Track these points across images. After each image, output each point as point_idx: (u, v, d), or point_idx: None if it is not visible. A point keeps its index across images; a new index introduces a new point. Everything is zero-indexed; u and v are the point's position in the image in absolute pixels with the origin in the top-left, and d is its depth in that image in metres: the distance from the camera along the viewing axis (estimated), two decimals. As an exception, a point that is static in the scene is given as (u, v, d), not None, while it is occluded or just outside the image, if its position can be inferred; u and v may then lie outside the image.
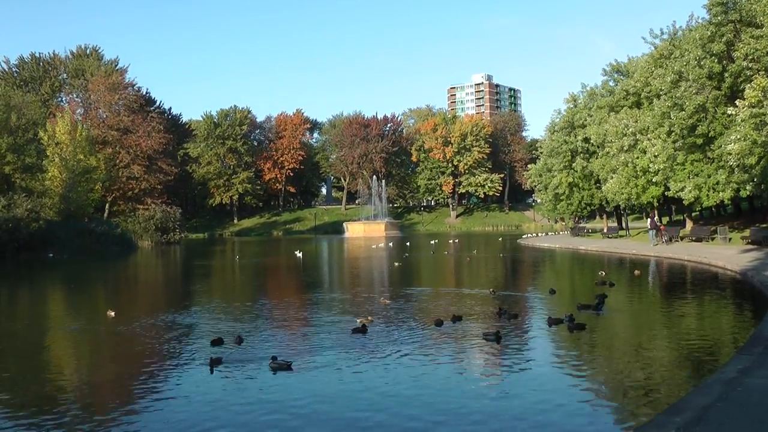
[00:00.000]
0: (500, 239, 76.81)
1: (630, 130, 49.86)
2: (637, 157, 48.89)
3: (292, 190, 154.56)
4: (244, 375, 12.21)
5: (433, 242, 69.43)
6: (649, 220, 48.75)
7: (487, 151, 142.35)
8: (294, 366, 12.46)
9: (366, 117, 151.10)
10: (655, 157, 45.61)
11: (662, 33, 52.98)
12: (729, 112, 36.77)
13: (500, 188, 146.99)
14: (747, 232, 41.45)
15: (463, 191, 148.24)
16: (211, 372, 12.23)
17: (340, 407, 10.18)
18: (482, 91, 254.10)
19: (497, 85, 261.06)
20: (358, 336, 15.52)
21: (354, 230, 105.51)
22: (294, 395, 10.80)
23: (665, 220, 67.47)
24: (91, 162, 78.23)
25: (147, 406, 10.64)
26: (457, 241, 75.15)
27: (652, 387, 11.02)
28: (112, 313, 20.07)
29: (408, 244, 68.76)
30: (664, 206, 64.65)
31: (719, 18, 39.60)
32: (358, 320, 17.27)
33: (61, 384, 12.49)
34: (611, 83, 63.98)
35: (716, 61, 40.25)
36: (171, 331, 17.72)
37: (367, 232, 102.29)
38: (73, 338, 17.77)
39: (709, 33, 40.34)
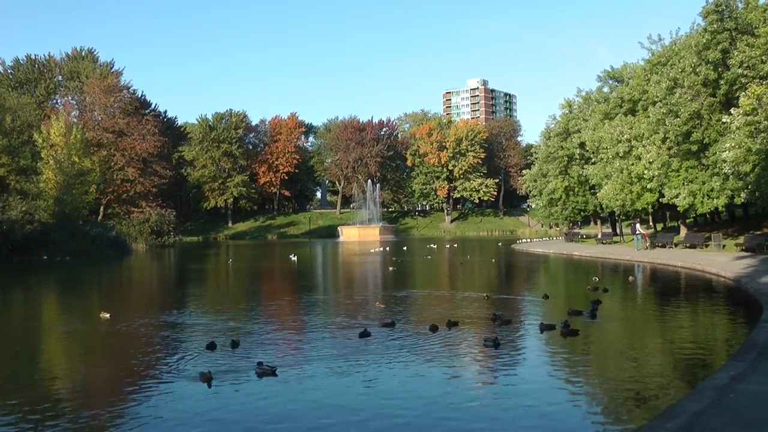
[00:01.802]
0: (500, 244, 76.61)
1: (625, 137, 49.97)
2: (632, 164, 49.00)
3: (287, 193, 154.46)
4: (232, 380, 12.10)
5: (433, 246, 69.52)
6: (632, 226, 49.54)
7: (482, 156, 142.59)
8: (280, 371, 12.44)
9: (361, 121, 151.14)
10: (650, 163, 45.71)
11: (660, 39, 53.21)
12: (724, 120, 36.89)
13: (495, 193, 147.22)
14: (741, 239, 41.60)
15: (458, 196, 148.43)
16: (209, 386, 11.76)
17: (319, 412, 10.13)
18: (478, 96, 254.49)
19: (493, 90, 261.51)
20: (356, 341, 15.55)
21: (349, 234, 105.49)
22: (272, 401, 10.83)
23: (659, 226, 67.71)
24: (86, 164, 77.97)
25: (136, 410, 10.64)
26: (456, 245, 75.31)
27: (645, 392, 11.05)
28: (107, 315, 20.05)
29: (405, 248, 68.86)
30: (658, 213, 64.80)
31: (715, 26, 39.72)
32: (380, 325, 17.40)
33: (54, 387, 12.46)
34: (605, 89, 64.13)
35: (712, 68, 40.37)
36: (165, 334, 17.69)
37: (361, 236, 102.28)
38: (67, 341, 17.72)
39: (704, 40, 40.47)
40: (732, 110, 35.50)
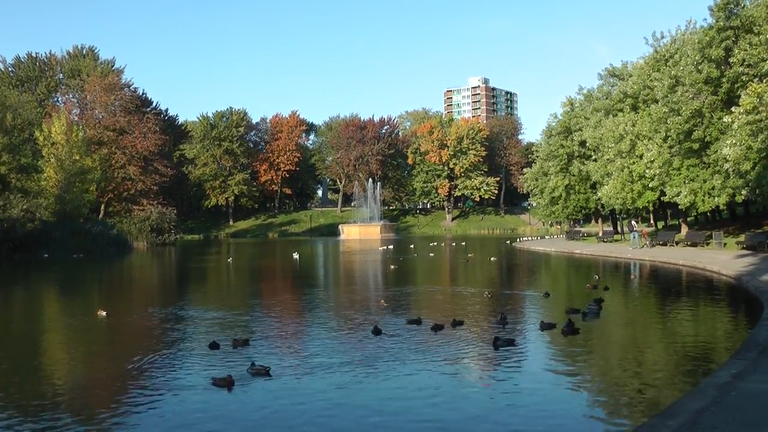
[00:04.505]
0: (508, 242, 76.32)
1: (628, 136, 49.89)
2: (633, 162, 48.97)
3: (288, 191, 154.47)
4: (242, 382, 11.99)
5: (440, 244, 69.40)
6: (628, 224, 49.79)
7: (483, 155, 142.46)
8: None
9: (362, 119, 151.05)
10: (651, 162, 45.68)
11: (662, 36, 53.15)
12: (725, 119, 36.87)
13: (496, 191, 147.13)
14: (742, 237, 41.53)
15: (459, 194, 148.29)
16: (229, 391, 11.40)
17: (307, 415, 10.07)
18: (479, 94, 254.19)
19: (494, 89, 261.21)
20: (361, 341, 15.57)
21: (350, 232, 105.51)
22: (260, 402, 10.76)
23: (660, 224, 67.70)
24: (87, 162, 78.08)
25: (132, 410, 10.65)
26: (463, 243, 75.43)
27: (646, 391, 11.05)
28: (104, 313, 20.11)
29: (412, 246, 68.87)
30: (659, 211, 64.79)
31: (721, 23, 39.70)
32: (407, 320, 17.71)
33: (51, 386, 12.45)
34: (606, 87, 64.04)
35: (714, 66, 40.31)
36: (165, 333, 17.71)
37: (362, 235, 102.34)
38: (66, 339, 17.75)
39: (708, 38, 40.43)
40: (733, 108, 35.45)
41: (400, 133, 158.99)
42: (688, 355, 13.89)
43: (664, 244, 48.35)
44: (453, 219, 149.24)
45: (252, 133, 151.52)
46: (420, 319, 17.58)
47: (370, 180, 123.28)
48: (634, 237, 47.81)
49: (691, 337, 15.98)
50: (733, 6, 39.65)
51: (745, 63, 37.80)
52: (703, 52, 40.74)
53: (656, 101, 46.28)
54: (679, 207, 46.29)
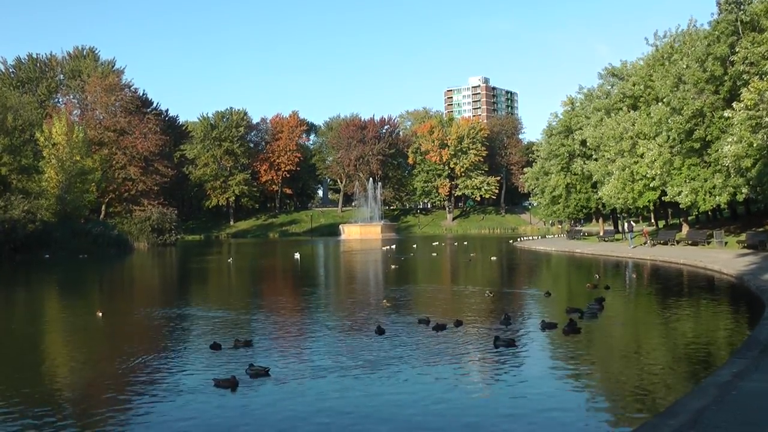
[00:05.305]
0: (509, 241, 76.31)
1: (628, 134, 49.86)
2: (635, 162, 48.94)
3: (289, 192, 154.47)
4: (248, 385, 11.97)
5: (441, 244, 69.45)
6: (625, 223, 49.92)
7: (484, 154, 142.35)
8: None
9: (363, 119, 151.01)
10: (653, 162, 45.66)
11: (663, 36, 53.14)
12: (726, 114, 36.85)
13: (496, 191, 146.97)
14: (743, 236, 41.48)
15: (460, 194, 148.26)
16: (233, 392, 11.40)
17: (311, 416, 10.07)
18: (479, 93, 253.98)
19: (494, 88, 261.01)
20: (365, 341, 15.58)
21: (350, 232, 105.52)
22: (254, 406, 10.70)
23: (661, 223, 67.70)
24: (88, 163, 78.08)
25: (134, 411, 10.66)
26: (465, 243, 75.48)
27: (648, 390, 11.07)
28: (100, 314, 20.16)
29: (415, 246, 68.88)
30: (660, 210, 64.76)
31: (731, 16, 39.68)
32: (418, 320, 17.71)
33: (50, 386, 12.49)
34: (606, 87, 64.02)
35: (719, 63, 40.25)
36: (166, 333, 17.72)
37: (363, 235, 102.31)
38: (66, 338, 17.77)
39: (717, 32, 40.40)
40: (734, 105, 35.44)
41: (400, 133, 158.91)
42: (690, 354, 13.92)
43: (665, 243, 48.33)
44: (454, 219, 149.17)
45: (252, 134, 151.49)
46: (429, 319, 17.61)
47: (371, 180, 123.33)
48: (630, 236, 47.98)
49: (692, 336, 15.99)
50: (740, 1, 39.68)
51: (747, 61, 37.77)
52: (707, 49, 40.71)
53: (657, 101, 46.23)
54: (680, 206, 46.28)
